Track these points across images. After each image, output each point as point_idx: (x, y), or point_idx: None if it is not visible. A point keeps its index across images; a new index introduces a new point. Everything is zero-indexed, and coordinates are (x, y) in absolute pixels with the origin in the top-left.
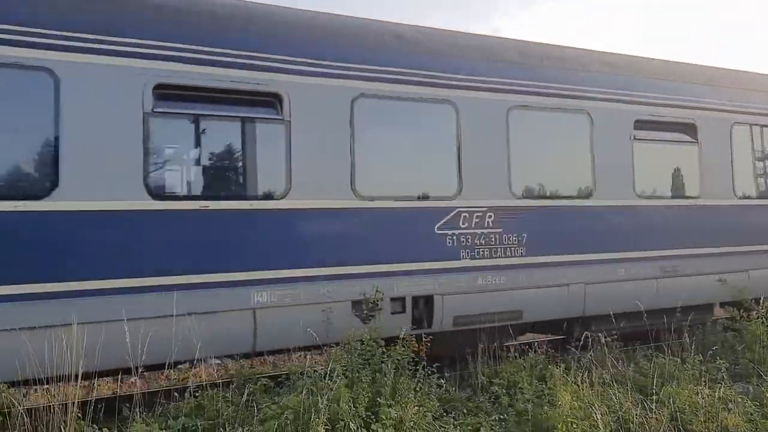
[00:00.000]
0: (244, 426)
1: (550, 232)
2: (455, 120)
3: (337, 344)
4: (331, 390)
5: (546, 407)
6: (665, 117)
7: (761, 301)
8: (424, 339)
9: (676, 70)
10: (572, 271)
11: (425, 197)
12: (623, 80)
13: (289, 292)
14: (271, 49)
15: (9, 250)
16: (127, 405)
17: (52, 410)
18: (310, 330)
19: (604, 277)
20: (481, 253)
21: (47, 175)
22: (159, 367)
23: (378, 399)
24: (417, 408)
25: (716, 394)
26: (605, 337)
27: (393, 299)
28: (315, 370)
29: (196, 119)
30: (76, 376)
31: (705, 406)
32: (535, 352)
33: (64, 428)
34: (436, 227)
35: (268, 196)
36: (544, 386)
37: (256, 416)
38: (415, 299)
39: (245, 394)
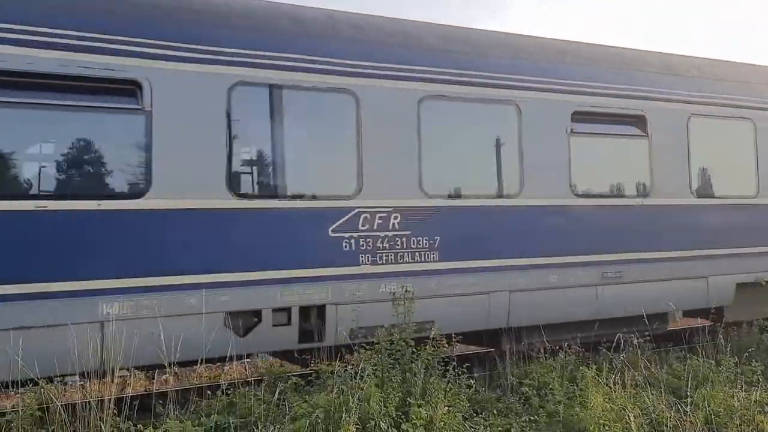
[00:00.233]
0: (276, 424)
1: (468, 234)
2: (355, 111)
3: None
4: (362, 389)
5: (578, 409)
6: (609, 108)
7: (725, 311)
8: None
9: (623, 56)
10: (494, 277)
11: (317, 197)
12: (559, 68)
13: (145, 303)
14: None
15: None
16: (160, 402)
17: (88, 406)
18: (173, 345)
19: (532, 284)
20: (385, 257)
21: None
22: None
23: (408, 399)
24: (447, 408)
25: (752, 397)
26: (637, 339)
27: (276, 310)
28: (345, 369)
29: (35, 108)
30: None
31: (740, 410)
32: (566, 353)
33: (101, 424)
34: (330, 230)
35: (121, 195)
36: (575, 387)
37: (288, 414)
38: (304, 310)
39: (277, 392)
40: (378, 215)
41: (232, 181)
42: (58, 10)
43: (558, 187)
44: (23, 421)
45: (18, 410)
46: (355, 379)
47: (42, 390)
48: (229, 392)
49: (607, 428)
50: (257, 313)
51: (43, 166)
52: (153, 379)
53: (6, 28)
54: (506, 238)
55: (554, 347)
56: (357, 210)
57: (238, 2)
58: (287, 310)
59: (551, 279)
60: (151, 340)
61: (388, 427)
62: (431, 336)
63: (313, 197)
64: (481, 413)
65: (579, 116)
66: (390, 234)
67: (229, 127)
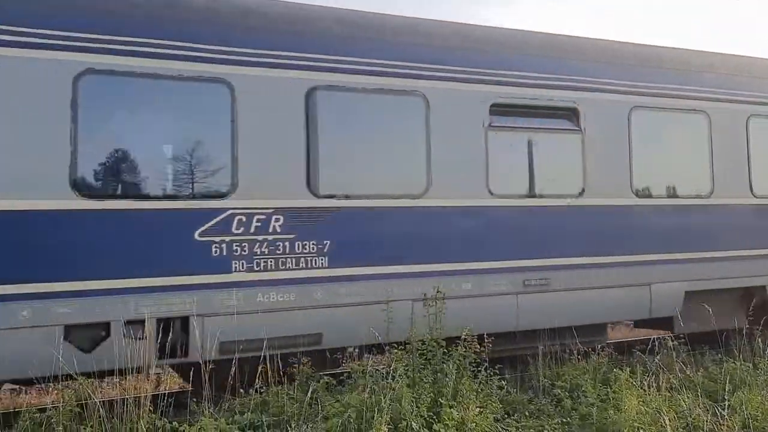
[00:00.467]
0: (308, 423)
1: (365, 238)
2: (230, 103)
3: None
4: (393, 390)
5: (611, 411)
6: (535, 100)
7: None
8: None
9: (553, 43)
10: (395, 285)
11: (180, 196)
12: (475, 56)
13: None
14: None
15: None
16: (194, 400)
17: (125, 403)
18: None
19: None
20: (264, 264)
21: None
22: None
23: (439, 399)
24: (479, 410)
25: None
26: (672, 341)
27: (130, 323)
28: (377, 369)
29: None
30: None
31: None
32: (598, 355)
33: (137, 421)
34: (196, 233)
35: None
36: (608, 390)
37: (320, 414)
38: (164, 322)
39: (309, 391)
40: (256, 217)
41: (74, 180)
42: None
43: (473, 186)
44: (63, 417)
45: (58, 406)
46: (386, 379)
47: (80, 386)
48: (261, 391)
49: (642, 431)
50: (107, 326)
51: None
52: (189, 377)
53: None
54: (409, 242)
55: (587, 349)
56: (230, 211)
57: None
58: (142, 323)
59: (464, 287)
60: None
61: (420, 428)
62: (463, 336)
63: (175, 197)
64: (513, 415)
65: (499, 109)
66: (270, 238)
67: (74, 119)
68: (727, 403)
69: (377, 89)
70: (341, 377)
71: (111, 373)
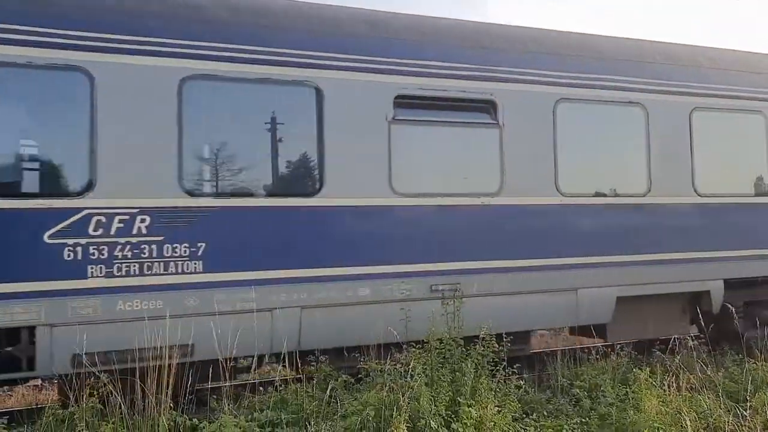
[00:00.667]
0: (327, 421)
1: (245, 241)
2: (89, 92)
3: None
4: (411, 388)
5: (631, 412)
6: (447, 91)
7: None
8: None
9: (468, 31)
10: (280, 291)
11: (26, 195)
12: (376, 43)
13: None
14: None
15: None
16: (214, 397)
17: (146, 399)
18: None
19: (335, 299)
20: (125, 269)
21: None
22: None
23: (458, 398)
24: (497, 409)
25: None
26: (692, 340)
27: None
28: (395, 367)
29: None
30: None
31: None
32: (618, 355)
33: (158, 418)
34: (46, 235)
35: None
36: (627, 390)
37: (339, 412)
38: (7, 331)
39: (328, 389)
40: (117, 218)
41: None
42: None
43: (372, 184)
44: (85, 413)
45: (80, 403)
46: (404, 377)
47: (102, 383)
48: (280, 389)
49: (662, 431)
50: None
51: None
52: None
53: None
54: (297, 245)
55: (606, 349)
56: (86, 211)
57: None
58: None
59: (361, 292)
60: None
61: (438, 426)
62: (481, 336)
63: (21, 195)
64: (531, 414)
65: (404, 101)
66: (134, 240)
67: None
68: (749, 404)
69: (262, 79)
70: (359, 375)
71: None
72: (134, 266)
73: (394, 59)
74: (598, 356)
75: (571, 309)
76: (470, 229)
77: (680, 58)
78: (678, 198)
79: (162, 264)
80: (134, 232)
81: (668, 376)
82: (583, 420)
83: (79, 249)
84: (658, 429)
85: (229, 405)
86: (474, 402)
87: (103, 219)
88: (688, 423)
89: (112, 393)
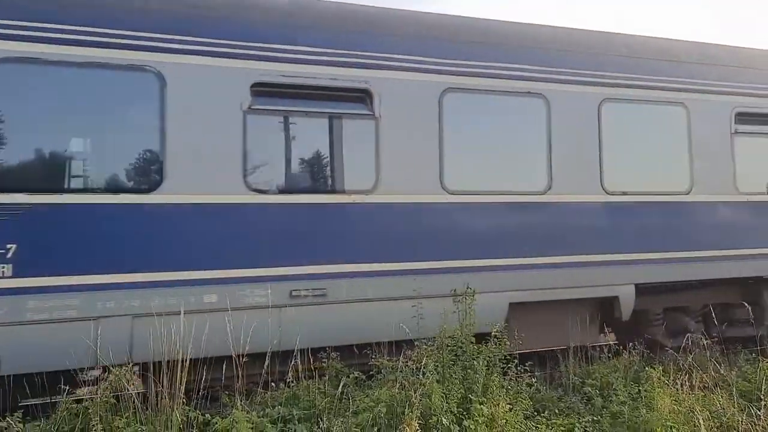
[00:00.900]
0: (339, 417)
1: (68, 242)
2: None
3: None
4: (423, 385)
5: (643, 410)
6: (315, 79)
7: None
8: None
9: (340, 13)
10: (110, 298)
11: None
12: (227, 26)
13: None
14: None
15: None
16: (227, 393)
17: (160, 394)
18: None
19: (168, 307)
20: None
21: None
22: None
23: (469, 396)
24: (509, 406)
25: None
26: (705, 339)
27: None
28: (406, 365)
29: None
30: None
31: None
32: (630, 353)
33: (171, 412)
34: None
35: None
36: (639, 388)
37: (350, 408)
38: None
39: (341, 385)
40: None
41: None
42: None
43: (223, 180)
44: (99, 407)
45: (94, 398)
46: (416, 374)
47: (116, 378)
48: (291, 384)
49: (674, 430)
50: None
51: None
52: (222, 371)
53: None
54: (131, 247)
55: (618, 347)
56: None
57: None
58: None
59: (207, 299)
60: None
61: (450, 423)
62: (493, 333)
63: None
64: (543, 412)
65: (263, 89)
66: None
67: None
68: (762, 403)
69: (91, 63)
70: (370, 372)
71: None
72: None
73: (250, 44)
74: (609, 355)
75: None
76: (340, 229)
77: (589, 45)
78: (583, 196)
79: None
80: None
81: (681, 374)
82: (595, 418)
83: None
84: (671, 428)
85: (241, 401)
86: (486, 399)
87: None
88: (701, 422)
89: (125, 387)
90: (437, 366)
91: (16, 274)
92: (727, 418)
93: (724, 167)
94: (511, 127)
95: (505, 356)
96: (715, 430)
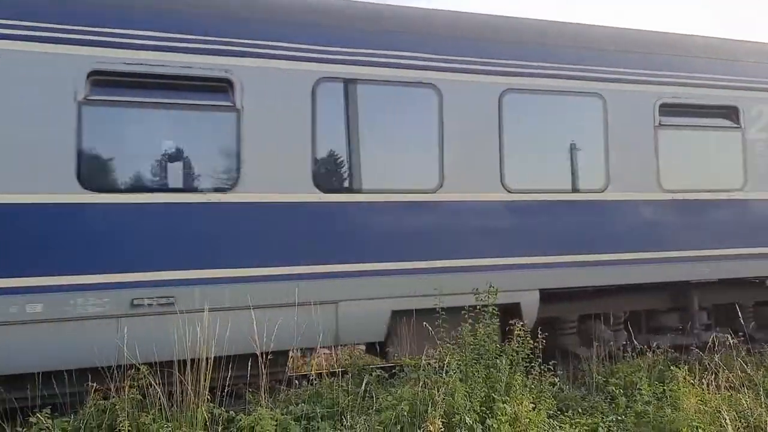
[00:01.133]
0: (362, 415)
1: None
2: None
3: None
4: (446, 384)
5: (669, 410)
6: (164, 67)
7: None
8: None
9: None
10: None
11: None
12: (58, 9)
13: None
14: None
15: None
16: (251, 390)
17: (185, 392)
18: None
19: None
20: None
21: None
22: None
23: (492, 395)
24: (532, 405)
25: None
26: (731, 338)
27: None
28: (429, 363)
29: None
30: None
31: None
32: (654, 352)
33: (196, 409)
34: None
35: None
36: (664, 388)
37: (374, 406)
38: None
39: (364, 383)
40: None
41: None
42: None
43: (52, 178)
44: (125, 404)
45: (120, 395)
46: (439, 373)
47: (143, 375)
48: (314, 382)
49: (701, 430)
50: None
51: None
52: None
53: None
54: None
55: (642, 346)
56: None
57: None
58: None
59: (30, 309)
60: None
61: (473, 422)
62: (515, 332)
63: None
64: (567, 411)
65: (102, 78)
66: None
67: None
68: None
69: None
70: (393, 371)
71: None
72: None
73: (89, 28)
74: (634, 354)
75: (329, 325)
76: (193, 231)
77: (489, 31)
78: (480, 195)
79: None
80: None
81: (707, 374)
82: (619, 418)
83: None
84: (697, 428)
85: (265, 398)
86: (509, 398)
87: None
88: (728, 422)
89: (151, 385)
90: (460, 365)
91: None
92: (754, 419)
93: (645, 163)
94: (398, 121)
95: (528, 355)
96: (742, 430)
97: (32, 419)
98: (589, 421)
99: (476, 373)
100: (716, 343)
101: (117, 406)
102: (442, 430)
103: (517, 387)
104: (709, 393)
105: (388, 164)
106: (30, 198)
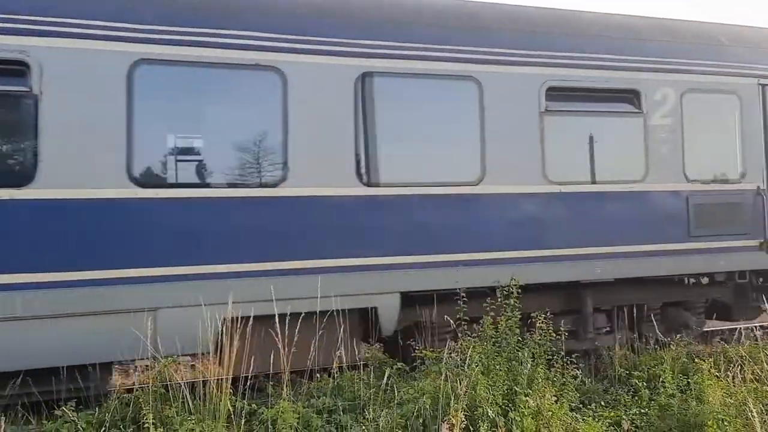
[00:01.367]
0: (383, 408)
1: None
2: None
3: None
4: (467, 377)
5: (693, 402)
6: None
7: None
8: None
9: None
10: None
11: None
12: None
13: None
14: None
15: None
16: (272, 383)
17: (207, 385)
18: None
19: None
20: None
21: None
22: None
23: (515, 388)
24: (555, 399)
25: None
26: (756, 330)
27: None
28: (450, 356)
29: None
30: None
31: None
32: (677, 344)
33: (218, 402)
34: None
35: None
36: (689, 380)
37: (395, 399)
38: None
39: (386, 377)
40: None
41: None
42: None
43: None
44: (148, 397)
45: (144, 387)
46: (460, 366)
47: (165, 368)
48: (335, 376)
49: (726, 423)
50: None
51: None
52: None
53: None
54: None
55: (666, 339)
56: None
57: None
58: None
59: None
60: None
61: (496, 415)
62: (537, 324)
63: None
64: (590, 404)
65: None
66: None
67: None
68: None
69: None
70: (414, 364)
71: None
72: None
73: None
74: (656, 346)
75: (147, 335)
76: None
77: (340, 8)
78: (331, 189)
79: None
80: None
81: (732, 366)
82: (643, 411)
83: None
84: (722, 420)
85: (287, 391)
86: (531, 391)
87: None
88: (755, 414)
89: (174, 377)
90: (482, 358)
91: None
92: None
93: (529, 153)
94: (234, 108)
95: (550, 348)
96: None
97: (57, 412)
98: (612, 413)
99: (498, 366)
100: (742, 335)
101: (140, 399)
102: (465, 423)
103: (540, 380)
104: (734, 385)
105: (213, 154)
106: None
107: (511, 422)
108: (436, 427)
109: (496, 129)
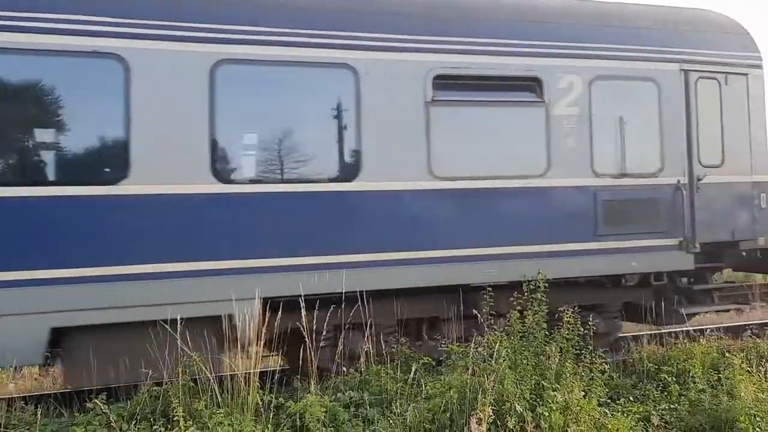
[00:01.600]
0: (410, 402)
1: None
2: None
3: None
4: (494, 372)
5: (725, 398)
6: None
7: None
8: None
9: None
10: None
11: None
12: None
13: None
14: None
15: None
16: (298, 377)
17: (235, 379)
18: None
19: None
20: None
21: None
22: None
23: (542, 382)
24: (583, 393)
25: None
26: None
27: None
28: (477, 351)
29: None
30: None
31: None
32: (708, 339)
33: (246, 396)
34: None
35: None
36: (720, 376)
37: (422, 393)
38: None
39: (413, 371)
40: None
41: None
42: None
43: None
44: (178, 390)
45: (173, 381)
46: (487, 361)
47: (195, 363)
48: (362, 370)
49: (759, 419)
50: None
51: None
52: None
53: None
54: None
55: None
56: None
57: None
58: None
59: None
60: None
61: (523, 410)
62: (565, 318)
63: None
64: (618, 399)
65: None
66: None
67: None
68: None
69: None
70: (440, 358)
71: None
72: None
73: None
74: (686, 341)
75: None
76: None
77: None
78: (180, 187)
79: None
80: None
81: (765, 361)
82: (672, 406)
83: None
84: (755, 416)
85: (314, 385)
86: (559, 386)
87: None
88: None
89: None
90: (509, 352)
91: None
92: None
93: (412, 146)
94: (74, 99)
95: (578, 342)
96: None
97: (89, 405)
98: (641, 408)
99: (525, 360)
100: None
101: (170, 392)
102: (492, 417)
103: (567, 375)
104: (766, 381)
105: (54, 150)
106: None
107: (539, 417)
108: (463, 421)
109: (373, 121)
